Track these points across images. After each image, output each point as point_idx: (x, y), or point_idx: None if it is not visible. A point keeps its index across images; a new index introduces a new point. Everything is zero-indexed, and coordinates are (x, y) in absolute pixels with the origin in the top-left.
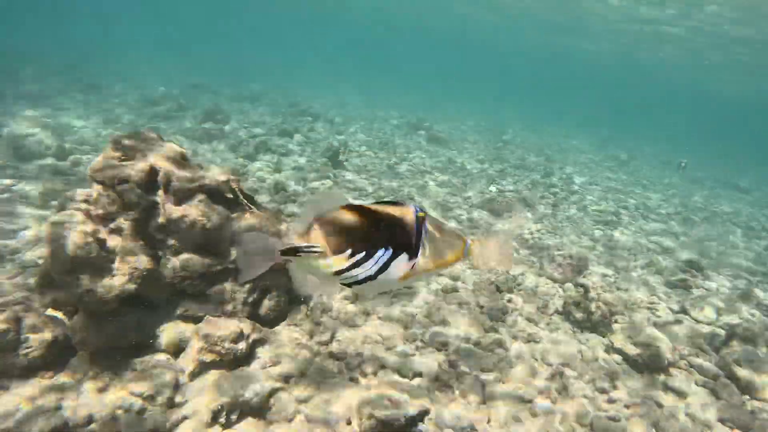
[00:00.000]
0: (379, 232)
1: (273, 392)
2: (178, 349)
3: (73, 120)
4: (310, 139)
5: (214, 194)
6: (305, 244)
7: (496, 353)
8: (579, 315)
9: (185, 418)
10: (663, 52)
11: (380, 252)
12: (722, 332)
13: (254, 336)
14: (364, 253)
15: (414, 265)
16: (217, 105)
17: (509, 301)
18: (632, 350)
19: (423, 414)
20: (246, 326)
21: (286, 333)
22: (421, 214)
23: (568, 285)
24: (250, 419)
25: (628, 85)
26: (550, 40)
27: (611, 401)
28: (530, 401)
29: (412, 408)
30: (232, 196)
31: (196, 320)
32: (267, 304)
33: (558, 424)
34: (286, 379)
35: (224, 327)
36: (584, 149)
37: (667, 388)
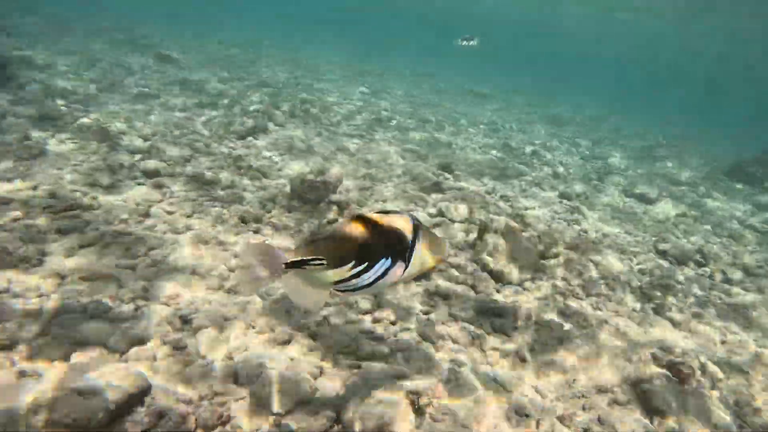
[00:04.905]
0: (383, 244)
1: None
2: None
3: None
4: None
5: None
6: (311, 257)
7: None
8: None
9: None
10: None
11: (381, 262)
12: (474, 227)
13: None
14: (366, 264)
15: (405, 270)
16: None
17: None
18: None
19: None
20: None
21: None
22: (416, 223)
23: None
24: None
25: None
26: None
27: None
28: None
29: None
30: None
31: None
32: None
33: None
34: None
35: None
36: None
37: (431, 294)
